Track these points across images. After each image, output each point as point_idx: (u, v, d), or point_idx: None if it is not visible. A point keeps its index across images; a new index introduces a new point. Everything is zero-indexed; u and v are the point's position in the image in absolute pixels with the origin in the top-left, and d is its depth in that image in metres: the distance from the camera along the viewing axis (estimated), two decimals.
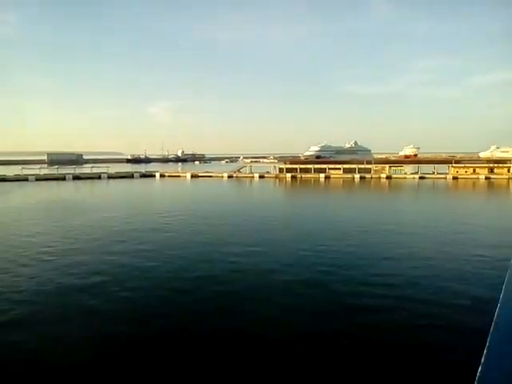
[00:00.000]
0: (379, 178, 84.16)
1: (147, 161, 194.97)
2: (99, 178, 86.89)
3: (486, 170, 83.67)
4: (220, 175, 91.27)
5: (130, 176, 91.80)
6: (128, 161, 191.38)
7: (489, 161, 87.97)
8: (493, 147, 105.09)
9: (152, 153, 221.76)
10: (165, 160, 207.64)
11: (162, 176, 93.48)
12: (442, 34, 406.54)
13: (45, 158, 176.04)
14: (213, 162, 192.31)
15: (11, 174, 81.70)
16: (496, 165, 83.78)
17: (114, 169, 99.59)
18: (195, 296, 15.91)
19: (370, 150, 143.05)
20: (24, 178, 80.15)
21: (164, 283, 17.31)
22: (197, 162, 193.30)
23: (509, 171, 79.29)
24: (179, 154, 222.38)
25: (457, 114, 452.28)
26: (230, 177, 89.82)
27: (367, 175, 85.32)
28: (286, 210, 42.46)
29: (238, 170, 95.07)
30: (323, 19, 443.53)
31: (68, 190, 66.48)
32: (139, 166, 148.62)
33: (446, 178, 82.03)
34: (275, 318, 13.74)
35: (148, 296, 15.97)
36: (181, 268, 19.45)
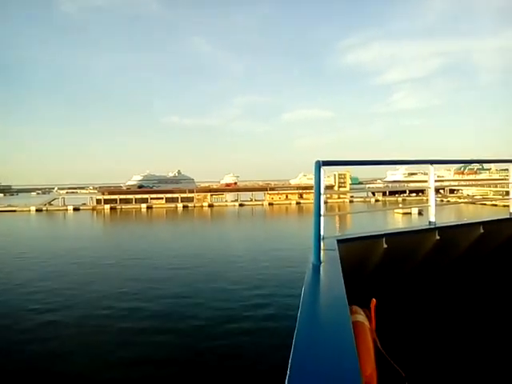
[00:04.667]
0: (202, 206, 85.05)
1: None
2: None
3: (297, 195, 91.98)
4: (26, 209, 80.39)
5: None
6: None
7: (298, 187, 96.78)
8: (301, 175, 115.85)
9: None
10: None
11: None
12: (254, 75, 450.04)
13: None
14: (21, 194, 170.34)
15: None
16: (304, 191, 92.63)
17: None
18: None
19: (193, 179, 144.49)
20: None
21: None
22: (1, 195, 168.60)
23: None
24: None
25: (269, 145, 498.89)
26: (38, 210, 79.84)
27: (190, 204, 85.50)
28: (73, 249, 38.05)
29: (49, 203, 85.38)
30: (143, 49, 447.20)
31: None
32: None
33: (262, 205, 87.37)
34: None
35: None
36: None
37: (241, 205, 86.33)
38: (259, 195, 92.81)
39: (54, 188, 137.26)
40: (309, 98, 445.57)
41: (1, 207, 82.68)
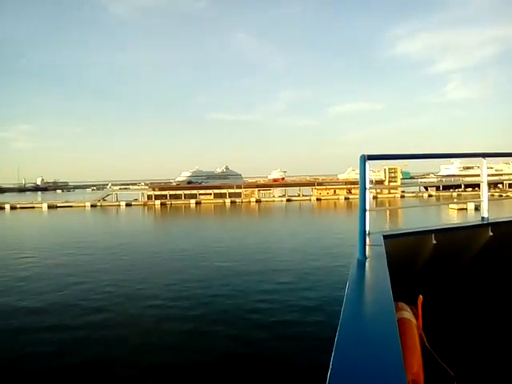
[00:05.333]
0: (249, 201, 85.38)
1: None
2: None
3: (345, 190, 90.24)
4: (82, 204, 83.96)
5: None
6: None
7: (346, 182, 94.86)
8: (349, 169, 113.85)
9: (7, 181, 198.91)
10: (22, 189, 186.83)
11: (12, 208, 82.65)
12: (300, 69, 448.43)
13: None
14: (77, 190, 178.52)
15: None
16: (353, 186, 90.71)
17: None
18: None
19: (240, 175, 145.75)
20: None
21: None
22: (59, 191, 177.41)
23: None
24: (38, 183, 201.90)
25: (316, 140, 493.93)
26: (93, 206, 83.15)
27: (237, 199, 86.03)
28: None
29: (103, 198, 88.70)
30: (189, 47, 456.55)
31: None
32: None
33: (310, 200, 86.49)
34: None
35: None
36: None
37: (288, 200, 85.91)
38: (307, 190, 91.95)
39: (107, 184, 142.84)
40: (357, 91, 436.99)
41: (59, 203, 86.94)
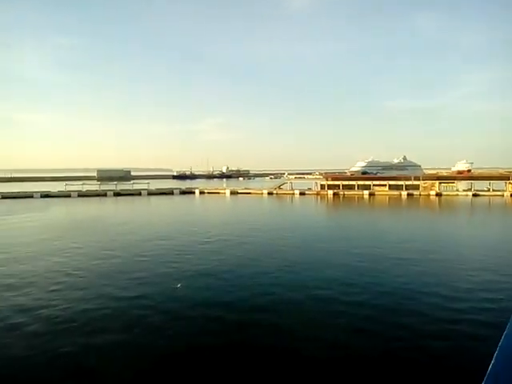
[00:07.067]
0: (428, 195, 79.08)
1: (192, 177, 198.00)
2: (139, 194, 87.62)
3: None
4: (259, 192, 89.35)
5: (170, 192, 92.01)
6: (174, 177, 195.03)
7: None
8: None
9: (198, 169, 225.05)
10: (210, 176, 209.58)
11: (201, 193, 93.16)
12: (493, 47, 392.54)
13: (95, 174, 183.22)
14: (257, 178, 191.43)
15: (55, 190, 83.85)
16: None
17: (156, 185, 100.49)
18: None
19: (419, 166, 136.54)
20: (67, 194, 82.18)
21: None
22: (241, 179, 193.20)
23: None
24: (224, 171, 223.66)
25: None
26: (269, 193, 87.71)
27: (415, 192, 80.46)
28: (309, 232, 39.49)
29: (279, 187, 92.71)
30: (366, 34, 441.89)
31: (107, 205, 66.92)
32: (184, 182, 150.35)
33: (502, 196, 75.70)
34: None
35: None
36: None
37: (475, 195, 76.81)
38: (498, 185, 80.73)
39: (284, 173, 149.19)
40: None
41: (239, 189, 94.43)
